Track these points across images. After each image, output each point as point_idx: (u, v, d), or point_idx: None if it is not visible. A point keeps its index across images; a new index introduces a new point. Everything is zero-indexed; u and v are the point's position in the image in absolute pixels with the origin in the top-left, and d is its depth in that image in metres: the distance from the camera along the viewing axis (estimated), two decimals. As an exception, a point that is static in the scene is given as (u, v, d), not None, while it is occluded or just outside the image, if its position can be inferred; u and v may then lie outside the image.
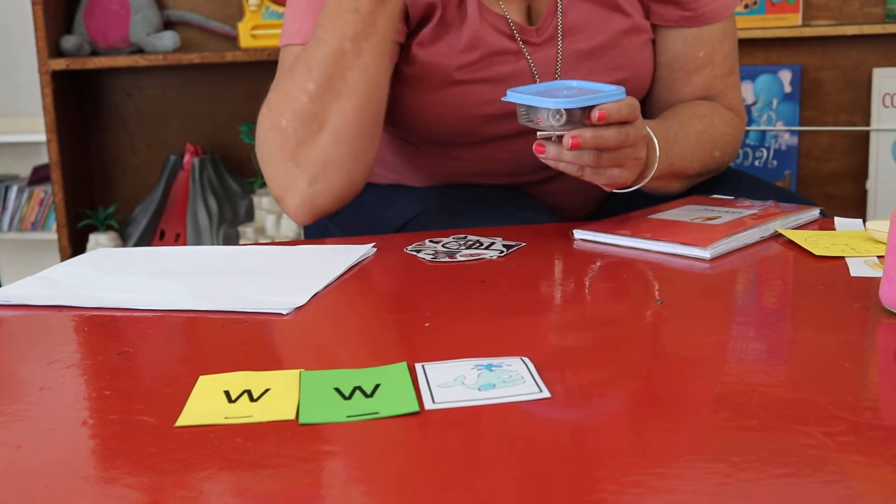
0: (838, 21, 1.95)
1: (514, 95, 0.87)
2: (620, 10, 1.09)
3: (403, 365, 0.57)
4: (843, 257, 0.79)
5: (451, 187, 1.11)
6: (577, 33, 1.08)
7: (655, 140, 0.98)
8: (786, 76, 1.96)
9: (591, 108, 0.86)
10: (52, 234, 2.33)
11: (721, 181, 1.11)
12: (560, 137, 0.87)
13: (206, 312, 0.69)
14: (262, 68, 2.03)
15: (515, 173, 1.07)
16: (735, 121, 1.15)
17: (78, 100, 2.12)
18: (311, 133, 0.95)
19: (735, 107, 1.16)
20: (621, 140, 0.88)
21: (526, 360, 0.56)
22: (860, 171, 1.97)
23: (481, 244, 0.87)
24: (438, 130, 1.07)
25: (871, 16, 1.94)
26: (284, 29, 1.05)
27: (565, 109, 0.85)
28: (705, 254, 0.80)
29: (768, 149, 1.98)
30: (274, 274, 0.79)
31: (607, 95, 0.86)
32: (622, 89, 0.87)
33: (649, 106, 1.18)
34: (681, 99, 1.14)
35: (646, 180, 0.98)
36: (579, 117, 0.85)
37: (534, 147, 0.89)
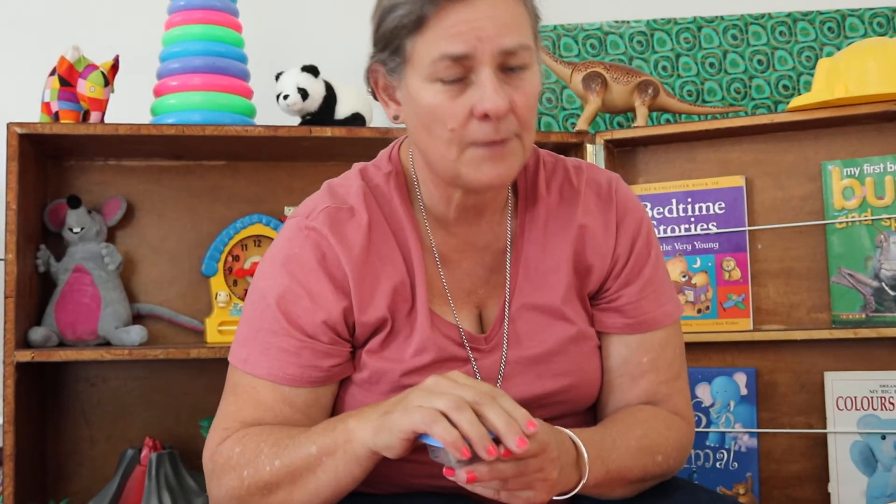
0: (787, 326, 2.03)
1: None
2: (565, 319, 1.15)
3: None
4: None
5: (404, 497, 1.11)
6: (524, 341, 1.13)
7: (585, 453, 1.01)
8: (741, 378, 2.00)
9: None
10: (-3, 528, 2.24)
11: (677, 498, 1.11)
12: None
13: None
14: (227, 364, 2.05)
15: None
16: (680, 424, 1.17)
17: (40, 389, 2.12)
18: (261, 494, 1.06)
19: (681, 411, 1.18)
20: (520, 471, 0.92)
21: None
22: (822, 474, 1.97)
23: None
24: None
25: (817, 321, 2.01)
26: (233, 347, 1.13)
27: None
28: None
29: (728, 451, 1.99)
30: None
31: None
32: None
33: (597, 410, 1.20)
34: (627, 403, 1.17)
35: (575, 491, 1.00)
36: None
37: (444, 471, 0.93)
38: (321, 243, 1.11)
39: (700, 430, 2.01)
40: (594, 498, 1.07)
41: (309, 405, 1.11)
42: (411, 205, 1.17)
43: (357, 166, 1.21)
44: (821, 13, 2.32)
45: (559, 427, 1.04)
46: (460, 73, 1.03)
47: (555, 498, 1.00)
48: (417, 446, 0.97)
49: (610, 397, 1.19)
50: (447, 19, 1.02)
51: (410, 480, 1.12)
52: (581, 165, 1.23)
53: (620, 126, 2.35)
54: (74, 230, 2.08)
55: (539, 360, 1.13)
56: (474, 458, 0.91)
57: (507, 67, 1.05)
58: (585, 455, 1.02)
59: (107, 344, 2.08)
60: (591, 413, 1.21)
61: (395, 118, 1.14)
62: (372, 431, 0.98)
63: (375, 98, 1.16)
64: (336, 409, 1.15)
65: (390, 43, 1.08)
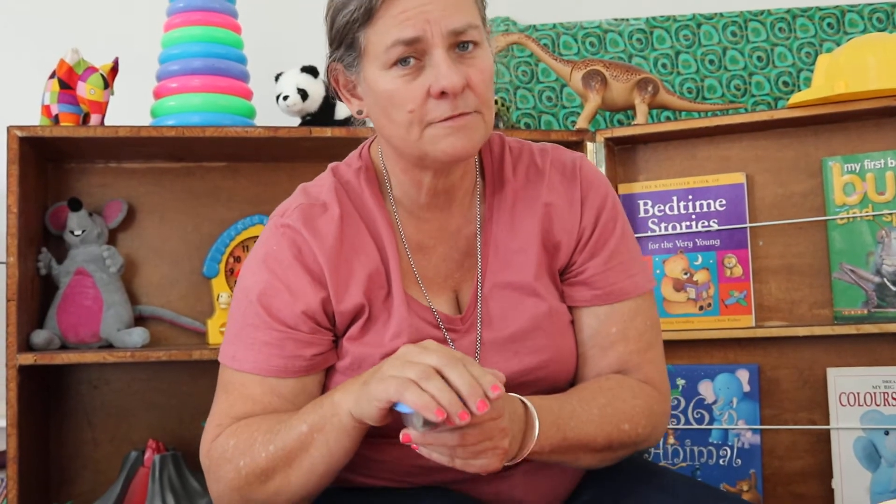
0: (790, 322, 2.02)
1: (401, 406, 0.98)
2: (537, 295, 1.18)
3: None
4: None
5: (397, 494, 1.13)
6: (497, 321, 1.17)
7: (535, 415, 1.05)
8: (744, 375, 2.00)
9: None
10: (1, 531, 2.24)
11: (676, 492, 1.12)
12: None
13: None
14: (230, 364, 2.05)
15: None
16: (650, 392, 1.20)
17: (43, 392, 2.12)
18: (259, 482, 1.09)
19: (652, 380, 1.21)
20: (463, 440, 0.96)
21: None
22: (825, 470, 1.97)
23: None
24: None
25: (820, 317, 2.01)
26: (222, 347, 1.18)
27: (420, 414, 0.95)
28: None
29: (731, 447, 1.99)
30: None
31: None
32: None
33: (575, 384, 1.23)
34: (598, 373, 1.21)
35: (523, 455, 1.05)
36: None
37: (401, 437, 0.98)
38: (296, 239, 1.16)
39: (703, 427, 2.01)
40: (613, 496, 1.10)
41: (296, 395, 1.14)
42: (382, 198, 1.22)
43: (330, 166, 1.27)
44: (820, 9, 2.32)
45: (511, 393, 1.07)
46: (414, 57, 1.08)
47: (507, 463, 1.04)
48: (397, 419, 1.01)
49: (583, 370, 1.22)
50: (395, 7, 1.07)
51: (407, 467, 1.15)
52: (546, 148, 1.27)
53: (620, 124, 2.35)
54: (76, 233, 2.08)
55: (514, 338, 1.17)
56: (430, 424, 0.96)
57: (459, 45, 1.09)
58: (536, 421, 1.05)
59: (109, 346, 2.08)
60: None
61: (359, 113, 1.19)
62: (354, 401, 1.02)
63: (338, 97, 1.21)
64: None
65: (344, 39, 1.13)
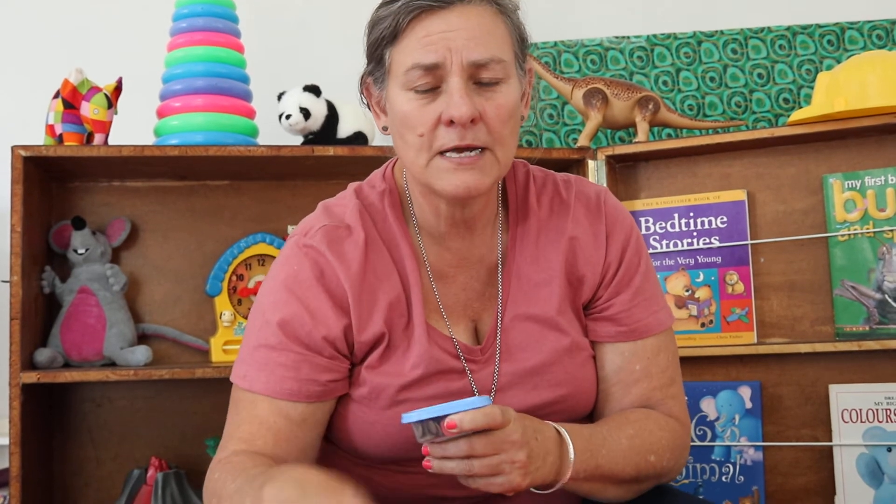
0: (791, 339, 2.03)
1: (405, 416, 0.98)
2: (559, 329, 1.17)
3: None
4: None
5: None
6: (517, 353, 1.16)
7: (570, 442, 1.04)
8: (746, 392, 2.00)
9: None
10: (4, 550, 2.24)
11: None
12: None
13: None
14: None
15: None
16: (674, 426, 1.18)
17: (46, 410, 2.12)
18: None
19: (675, 415, 1.20)
20: (473, 449, 0.95)
21: None
22: (828, 487, 1.97)
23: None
24: (390, 447, 1.11)
25: (821, 334, 2.01)
26: (234, 366, 1.15)
27: (421, 423, 0.95)
28: None
29: (734, 464, 1.99)
30: None
31: (461, 405, 0.94)
32: (486, 398, 0.96)
33: (594, 419, 1.22)
34: (621, 410, 1.19)
35: (563, 481, 1.03)
36: (435, 430, 0.94)
37: (423, 463, 0.98)
38: (319, 261, 1.14)
39: (705, 444, 2.01)
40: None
41: (304, 419, 1.11)
42: (406, 222, 1.20)
43: (352, 186, 1.24)
44: (820, 26, 2.33)
45: (546, 421, 1.06)
46: (432, 82, 1.07)
47: (542, 492, 1.03)
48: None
49: (606, 406, 1.21)
50: (421, 30, 1.07)
51: (417, 497, 1.13)
52: (570, 179, 1.26)
53: (622, 141, 2.36)
54: (79, 251, 2.09)
55: (533, 371, 1.15)
56: (438, 436, 0.96)
57: (479, 81, 1.08)
58: (570, 444, 1.04)
59: (112, 364, 2.09)
60: (587, 422, 1.22)
61: (384, 129, 1.18)
62: None
63: (371, 111, 1.21)
64: (339, 426, 1.15)
65: (374, 54, 1.14)
